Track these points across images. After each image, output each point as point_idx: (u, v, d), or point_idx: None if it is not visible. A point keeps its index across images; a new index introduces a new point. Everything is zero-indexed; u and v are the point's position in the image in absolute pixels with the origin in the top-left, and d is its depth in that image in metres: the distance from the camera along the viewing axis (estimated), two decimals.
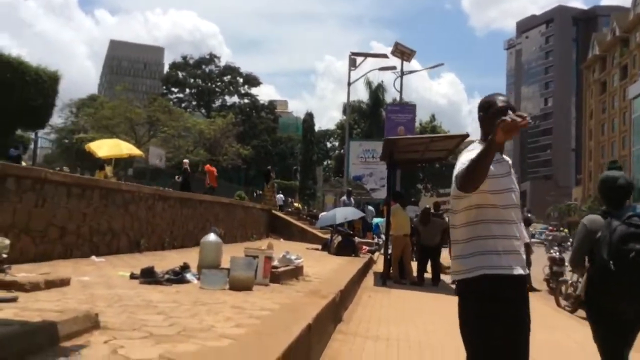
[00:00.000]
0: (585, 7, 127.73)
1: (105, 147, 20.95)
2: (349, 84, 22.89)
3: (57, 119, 47.71)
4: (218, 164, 48.55)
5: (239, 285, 5.36)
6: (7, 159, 20.23)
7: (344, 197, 18.22)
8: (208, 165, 21.73)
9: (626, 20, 74.05)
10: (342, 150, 47.73)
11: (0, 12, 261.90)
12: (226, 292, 5.21)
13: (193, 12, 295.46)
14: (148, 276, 5.28)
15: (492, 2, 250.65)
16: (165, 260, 7.83)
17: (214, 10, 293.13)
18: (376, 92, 50.03)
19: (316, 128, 68.75)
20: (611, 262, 2.92)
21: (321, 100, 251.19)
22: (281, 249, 13.75)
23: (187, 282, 5.54)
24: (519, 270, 2.37)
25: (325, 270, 8.58)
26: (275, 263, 6.89)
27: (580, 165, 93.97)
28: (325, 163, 70.88)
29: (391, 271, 10.79)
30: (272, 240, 17.03)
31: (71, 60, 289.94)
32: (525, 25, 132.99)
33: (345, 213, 13.47)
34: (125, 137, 40.73)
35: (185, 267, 5.92)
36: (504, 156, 2.54)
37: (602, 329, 3.08)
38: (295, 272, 6.96)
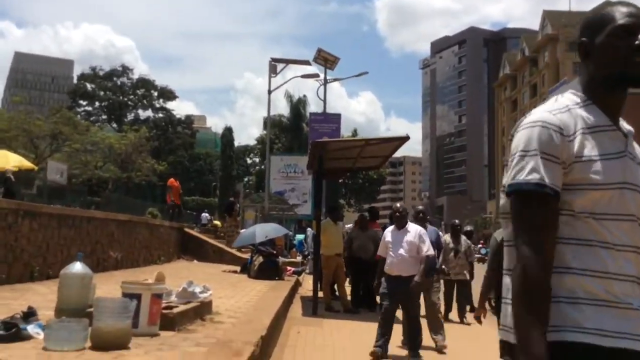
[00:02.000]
0: (494, 30, 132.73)
1: None
2: (269, 91, 21.25)
3: None
4: (130, 180, 45.44)
5: (107, 342, 3.53)
6: None
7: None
8: (172, 180, 19.24)
9: (535, 41, 77.49)
10: (262, 166, 46.05)
11: None
12: (84, 355, 3.37)
13: (107, 27, 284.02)
14: None
15: (406, 24, 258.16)
16: (23, 298, 5.77)
17: (130, 26, 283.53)
18: (297, 106, 48.76)
19: (236, 144, 66.63)
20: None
21: (241, 117, 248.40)
22: (193, 273, 11.89)
23: (26, 338, 3.62)
24: None
25: (243, 302, 6.80)
26: (173, 299, 5.06)
27: (493, 180, 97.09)
28: (245, 179, 68.88)
29: (321, 296, 9.14)
30: (184, 262, 14.99)
31: None
32: (439, 46, 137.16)
33: (266, 230, 11.70)
34: (23, 152, 37.12)
35: (29, 314, 4.00)
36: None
37: None
38: (200, 311, 5.16)
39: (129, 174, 43.84)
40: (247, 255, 13.57)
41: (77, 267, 4.44)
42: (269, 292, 8.40)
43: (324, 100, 22.05)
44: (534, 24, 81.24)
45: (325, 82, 21.98)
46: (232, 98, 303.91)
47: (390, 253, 5.72)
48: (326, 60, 21.33)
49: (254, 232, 11.84)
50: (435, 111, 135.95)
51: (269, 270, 10.66)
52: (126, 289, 4.16)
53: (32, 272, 7.04)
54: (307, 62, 20.93)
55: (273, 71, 21.09)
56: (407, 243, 5.67)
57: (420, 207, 7.20)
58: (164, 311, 4.39)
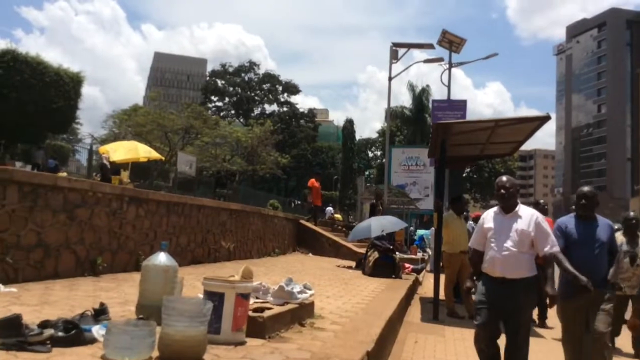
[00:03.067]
0: (639, 10, 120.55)
1: (121, 150, 18.97)
2: (390, 78, 20.25)
3: (101, 130, 47.32)
4: (255, 173, 46.73)
5: (177, 351, 2.91)
6: (47, 169, 18.56)
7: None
8: (312, 180, 18.18)
9: None
10: (384, 159, 45.16)
11: (52, 28, 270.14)
12: None
13: (238, 26, 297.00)
14: (5, 334, 2.88)
15: (539, 10, 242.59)
16: (118, 289, 5.44)
17: (259, 24, 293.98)
18: (420, 97, 47.11)
19: (357, 137, 66.25)
20: None
21: (363, 111, 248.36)
22: (306, 266, 11.37)
23: (90, 341, 3.11)
24: None
25: (353, 304, 6.03)
26: (269, 299, 4.40)
27: (637, 175, 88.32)
28: (367, 173, 68.45)
29: (443, 299, 8.14)
30: (299, 255, 14.59)
31: (121, 75, 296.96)
32: (576, 30, 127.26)
33: (382, 223, 10.84)
34: (158, 145, 39.52)
35: (100, 311, 3.51)
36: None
37: None
38: (299, 314, 4.45)
39: (254, 167, 45.10)
40: (363, 250, 12.81)
41: (161, 257, 3.91)
42: (383, 292, 7.57)
43: (448, 86, 20.68)
44: None
45: (450, 66, 20.58)
46: (354, 92, 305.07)
47: (493, 245, 4.22)
48: (451, 42, 19.93)
49: (369, 226, 11.02)
50: (570, 100, 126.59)
51: (385, 267, 9.80)
52: (208, 286, 3.54)
53: (138, 260, 6.79)
54: (430, 46, 19.68)
55: (394, 57, 20.08)
56: (518, 232, 4.15)
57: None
58: (253, 314, 3.72)
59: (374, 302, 6.35)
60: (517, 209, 4.29)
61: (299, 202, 50.37)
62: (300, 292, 4.69)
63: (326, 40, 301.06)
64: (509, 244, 4.13)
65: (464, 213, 10.06)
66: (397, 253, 11.09)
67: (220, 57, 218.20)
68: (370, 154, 73.52)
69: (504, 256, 4.13)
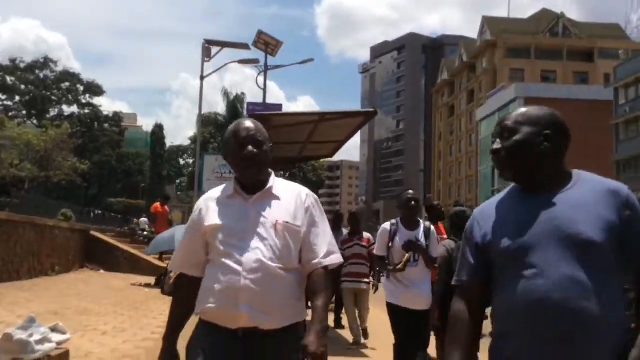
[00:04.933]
0: (433, 37, 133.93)
1: None
2: (202, 77, 18.72)
3: None
4: (49, 180, 41.47)
5: None
6: None
7: None
8: (156, 205, 13.86)
9: (473, 47, 78.02)
10: (195, 168, 43.29)
11: None
12: None
13: (37, 21, 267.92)
14: None
15: (346, 32, 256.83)
16: None
17: (61, 21, 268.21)
18: (234, 103, 46.13)
19: (168, 143, 63.06)
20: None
21: (177, 119, 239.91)
22: (90, 289, 9.31)
23: None
24: None
25: (137, 343, 4.44)
26: None
27: (428, 185, 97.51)
28: (178, 181, 65.46)
29: None
30: (87, 273, 12.31)
31: None
32: (379, 51, 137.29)
33: None
34: None
35: None
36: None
37: None
38: None
39: (48, 173, 40.08)
40: (166, 264, 11.08)
41: None
42: None
43: (264, 89, 19.75)
44: (471, 34, 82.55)
45: (266, 68, 19.67)
46: (168, 99, 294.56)
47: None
48: (267, 44, 19.05)
49: (172, 236, 9.38)
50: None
51: None
52: None
53: None
54: (245, 46, 18.55)
55: (207, 55, 18.57)
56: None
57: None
58: None
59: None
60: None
61: (100, 212, 45.96)
62: (41, 341, 3.04)
63: (138, 43, 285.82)
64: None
65: None
66: None
67: (17, 55, 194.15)
68: (182, 162, 70.76)
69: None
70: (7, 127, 40.61)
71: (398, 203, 4.87)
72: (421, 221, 4.79)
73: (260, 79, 20.14)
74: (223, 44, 18.74)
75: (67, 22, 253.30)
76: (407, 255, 4.46)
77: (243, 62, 19.42)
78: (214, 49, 18.93)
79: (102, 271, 12.58)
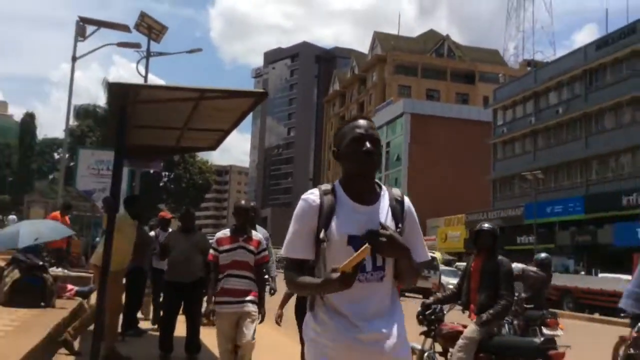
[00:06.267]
0: (327, 47, 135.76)
1: None
2: (74, 58, 16.82)
3: None
4: None
5: None
6: None
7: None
8: (55, 214, 11.80)
9: (364, 61, 79.87)
10: (72, 163, 39.68)
11: None
12: None
13: None
14: None
15: (239, 37, 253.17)
16: None
17: None
18: None
19: (42, 135, 57.95)
20: None
21: (56, 112, 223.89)
22: None
23: None
24: None
25: None
26: None
27: None
28: (51, 176, 60.44)
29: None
30: None
31: None
32: (273, 57, 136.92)
33: (38, 229, 7.76)
34: None
35: None
36: None
37: None
38: None
39: None
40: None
41: None
42: (14, 335, 4.74)
43: (145, 77, 18.09)
44: (362, 49, 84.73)
45: (149, 55, 18.04)
46: (46, 90, 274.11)
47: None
48: (151, 28, 17.48)
49: (16, 232, 7.78)
50: (265, 122, 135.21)
51: (29, 292, 6.82)
52: None
53: None
54: (125, 27, 16.83)
55: (81, 34, 16.75)
56: None
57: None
58: None
59: None
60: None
61: None
62: None
63: (15, 28, 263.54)
64: None
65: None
66: (54, 272, 8.13)
67: None
68: (57, 156, 65.52)
69: None
70: None
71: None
72: (383, 187, 2.33)
73: (142, 67, 18.52)
74: (100, 23, 17.04)
75: None
76: (361, 251, 2.05)
77: (123, 45, 17.77)
78: (90, 29, 17.15)
79: None
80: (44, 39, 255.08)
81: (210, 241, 5.67)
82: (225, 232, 5.05)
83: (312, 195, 2.23)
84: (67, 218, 11.67)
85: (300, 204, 2.25)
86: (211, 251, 5.02)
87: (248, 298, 4.81)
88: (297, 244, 2.22)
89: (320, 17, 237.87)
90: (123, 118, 5.69)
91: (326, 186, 2.28)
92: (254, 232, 5.08)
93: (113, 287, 5.65)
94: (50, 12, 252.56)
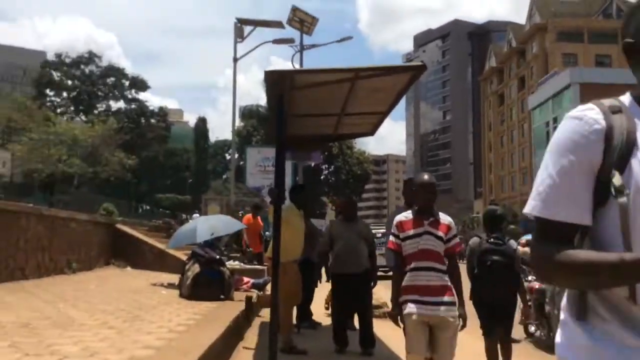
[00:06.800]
0: (479, 22, 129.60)
1: None
2: (235, 59, 17.72)
3: None
4: (97, 176, 41.54)
5: None
6: None
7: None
8: (248, 217, 11.92)
9: (522, 32, 74.84)
10: (242, 162, 42.35)
11: None
12: None
13: (87, 20, 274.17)
14: None
15: (388, 23, 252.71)
16: None
17: (111, 19, 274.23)
18: None
19: (214, 138, 62.83)
20: (476, 268, 5.16)
21: (223, 115, 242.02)
22: (101, 289, 8.15)
23: None
24: None
25: None
26: None
27: (479, 179, 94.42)
28: (224, 176, 65.23)
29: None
30: (112, 270, 11.35)
31: None
32: (422, 40, 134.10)
33: (212, 224, 8.12)
34: None
35: None
36: None
37: (482, 311, 5.18)
38: None
39: (96, 169, 40.09)
40: None
41: None
42: (196, 329, 4.87)
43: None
44: (518, 20, 79.26)
45: (302, 48, 18.42)
46: (214, 96, 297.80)
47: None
48: (302, 22, 17.79)
49: (194, 228, 8.22)
50: (419, 108, 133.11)
51: (210, 285, 7.07)
52: None
53: None
54: (279, 24, 17.34)
55: (239, 35, 17.54)
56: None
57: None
58: None
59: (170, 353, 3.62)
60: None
61: (149, 208, 45.80)
62: None
63: (185, 40, 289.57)
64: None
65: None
66: (230, 265, 8.43)
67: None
68: (228, 157, 70.54)
69: None
70: (53, 122, 41.01)
71: None
72: None
73: (296, 63, 18.94)
74: (256, 23, 17.68)
75: (117, 20, 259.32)
76: None
77: (277, 41, 18.26)
78: (247, 29, 17.88)
79: (128, 268, 11.63)
80: (208, 48, 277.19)
81: (374, 230, 5.35)
82: (406, 215, 3.92)
83: (591, 112, 1.25)
84: (259, 219, 11.81)
85: (567, 126, 1.25)
86: (391, 238, 3.94)
87: (445, 299, 3.74)
88: (561, 196, 1.22)
89: None
90: (281, 106, 5.59)
91: (611, 101, 1.29)
92: (441, 214, 3.97)
93: (284, 279, 5.58)
94: (212, 23, 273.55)
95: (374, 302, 7.58)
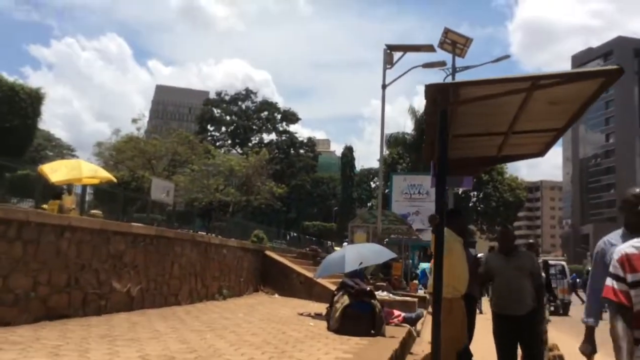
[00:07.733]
0: None
1: (62, 170, 15.91)
2: (384, 86, 17.29)
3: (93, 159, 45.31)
4: (249, 203, 43.78)
5: None
6: None
7: None
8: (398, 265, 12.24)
9: None
10: (387, 190, 41.95)
11: (60, 64, 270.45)
12: None
13: (244, 61, 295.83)
14: None
15: (542, 45, 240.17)
16: None
17: (266, 59, 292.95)
18: (422, 121, 44.36)
19: (359, 167, 63.37)
20: None
21: (369, 144, 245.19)
22: (249, 318, 7.98)
23: None
24: None
25: None
26: None
27: None
28: (369, 204, 65.37)
29: None
30: (261, 297, 11.31)
31: (129, 110, 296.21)
32: (582, 59, 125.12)
33: (361, 253, 7.63)
34: (142, 174, 37.30)
35: None
36: None
37: None
38: None
39: (249, 198, 42.25)
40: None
41: None
42: None
43: None
44: None
45: (454, 70, 17.55)
46: (360, 126, 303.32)
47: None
48: (455, 44, 16.98)
49: (342, 257, 7.77)
50: (577, 131, 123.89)
51: (359, 319, 6.55)
52: None
53: None
54: (430, 48, 16.65)
55: (389, 61, 17.14)
56: None
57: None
58: None
59: None
60: None
61: (295, 235, 47.04)
62: None
63: (332, 74, 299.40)
64: None
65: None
66: (385, 293, 7.84)
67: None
68: (373, 185, 70.74)
69: None
70: (213, 155, 44.17)
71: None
72: None
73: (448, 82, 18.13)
74: (405, 48, 17.15)
75: (271, 60, 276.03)
76: None
77: (428, 65, 17.54)
78: (396, 55, 17.43)
79: (276, 295, 11.53)
80: (355, 81, 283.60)
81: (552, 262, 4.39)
82: (636, 245, 2.44)
83: None
84: None
85: None
86: (612, 283, 2.42)
87: None
88: None
89: (632, 8, 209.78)
90: (444, 122, 4.93)
91: None
92: None
93: (448, 319, 4.85)
94: (359, 56, 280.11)
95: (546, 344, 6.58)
